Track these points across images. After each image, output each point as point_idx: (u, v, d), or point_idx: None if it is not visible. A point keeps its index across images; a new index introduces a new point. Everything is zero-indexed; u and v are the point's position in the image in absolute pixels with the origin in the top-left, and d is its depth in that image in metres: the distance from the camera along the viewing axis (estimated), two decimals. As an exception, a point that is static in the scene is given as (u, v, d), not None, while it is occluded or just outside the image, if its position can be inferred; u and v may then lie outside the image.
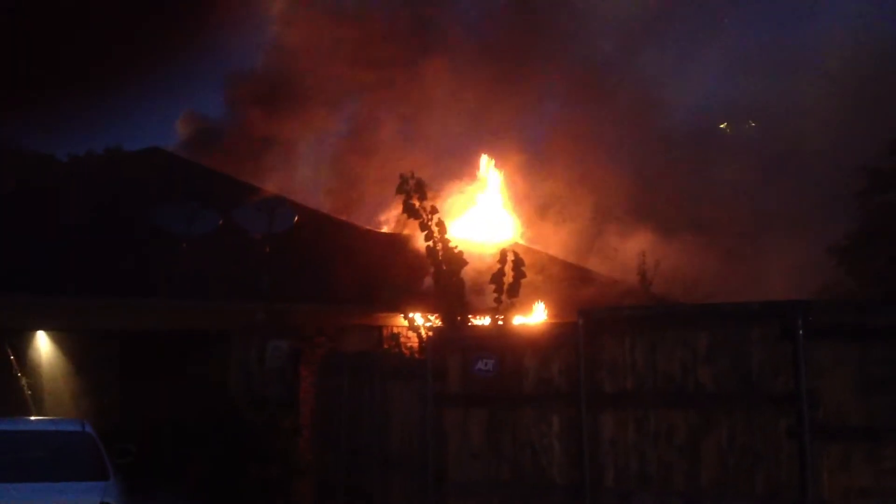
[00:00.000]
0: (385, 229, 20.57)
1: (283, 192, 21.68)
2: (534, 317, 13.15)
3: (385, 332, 16.01)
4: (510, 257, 11.22)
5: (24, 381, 15.85)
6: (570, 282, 13.90)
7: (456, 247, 11.86)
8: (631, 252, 13.94)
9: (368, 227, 20.71)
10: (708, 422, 7.64)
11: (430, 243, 11.86)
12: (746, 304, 7.93)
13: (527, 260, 11.42)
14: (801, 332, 7.32)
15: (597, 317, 8.59)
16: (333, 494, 12.97)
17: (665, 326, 7.99)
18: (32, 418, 13.23)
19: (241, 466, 14.37)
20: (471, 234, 14.79)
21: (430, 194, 12.18)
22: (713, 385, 7.68)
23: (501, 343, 9.69)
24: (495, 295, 11.24)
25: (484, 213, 15.58)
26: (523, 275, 11.20)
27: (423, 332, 12.22)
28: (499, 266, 11.29)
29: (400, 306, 13.34)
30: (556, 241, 14.59)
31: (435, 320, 12.11)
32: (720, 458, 7.55)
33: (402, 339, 13.93)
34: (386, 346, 14.91)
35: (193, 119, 30.95)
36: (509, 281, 11.20)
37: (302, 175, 26.21)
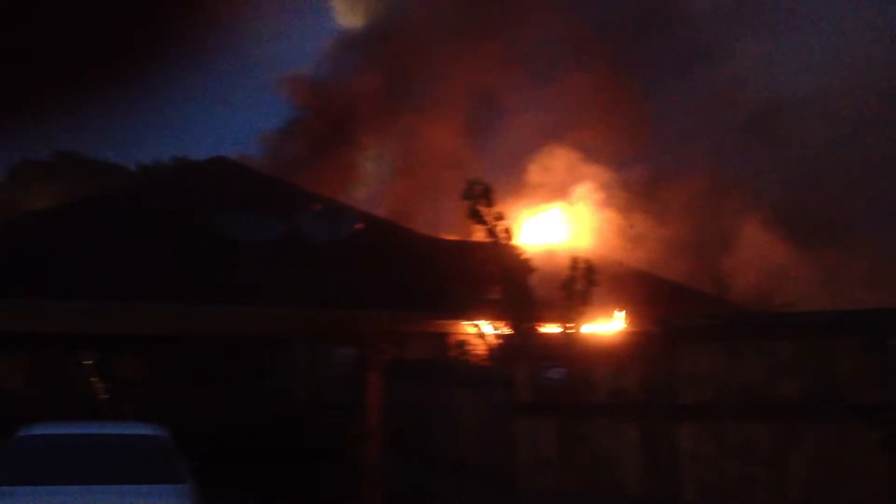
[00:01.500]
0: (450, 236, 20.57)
1: (352, 199, 21.85)
2: (605, 325, 13.01)
3: (450, 339, 16.00)
4: (581, 264, 11.11)
5: (100, 386, 16.16)
6: (643, 290, 13.70)
7: (523, 253, 11.79)
8: (707, 257, 13.70)
9: (433, 234, 20.72)
10: (793, 434, 7.46)
11: (497, 250, 11.81)
12: (832, 312, 7.75)
13: (598, 267, 11.29)
14: (892, 341, 7.11)
15: (674, 326, 8.45)
16: (402, 499, 12.95)
17: (746, 336, 7.82)
18: (110, 422, 13.45)
19: (310, 471, 14.45)
20: (542, 239, 14.69)
21: (502, 199, 12.11)
22: (798, 396, 7.49)
23: (572, 352, 9.61)
24: (565, 303, 11.13)
25: (556, 220, 15.47)
26: (594, 282, 11.08)
27: (490, 339, 12.16)
28: (569, 273, 11.19)
29: (466, 313, 13.31)
30: (628, 249, 14.38)
31: (503, 328, 12.03)
32: (808, 472, 7.36)
33: (468, 347, 13.89)
34: (452, 354, 14.88)
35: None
36: (580, 288, 11.09)
37: (371, 182, 26.35)
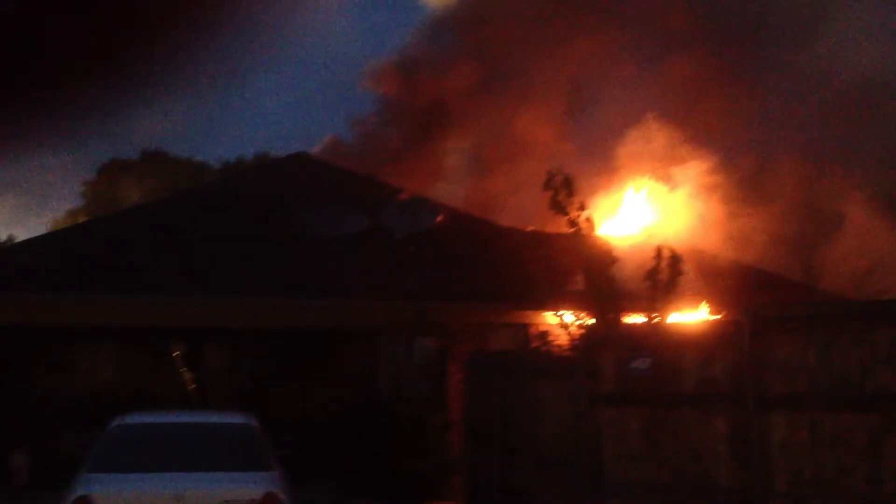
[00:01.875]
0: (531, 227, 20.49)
1: (435, 192, 21.91)
2: (692, 315, 12.80)
3: (532, 330, 15.96)
4: (666, 253, 10.95)
5: (188, 377, 16.57)
6: (731, 278, 13.41)
7: (607, 243, 11.68)
8: (794, 245, 13.33)
9: (520, 226, 20.65)
10: (890, 424, 7.21)
11: (579, 240, 11.72)
12: (932, 300, 7.47)
13: (686, 256, 11.11)
14: None
15: (764, 315, 8.25)
16: (486, 491, 12.96)
17: (840, 325, 7.59)
18: (199, 411, 13.77)
19: (393, 461, 14.58)
20: (626, 229, 14.51)
21: (593, 188, 11.99)
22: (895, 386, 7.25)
23: (658, 341, 9.46)
24: (650, 293, 10.98)
25: (645, 207, 15.26)
26: (680, 271, 10.91)
27: (573, 330, 12.07)
28: (654, 262, 11.03)
29: (548, 304, 13.24)
30: (717, 237, 14.05)
31: (585, 318, 11.93)
32: (905, 463, 7.12)
33: (551, 338, 13.82)
34: (534, 345, 14.84)
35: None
36: (665, 278, 10.93)
37: (455, 174, 26.37)
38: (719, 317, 11.14)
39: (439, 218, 18.21)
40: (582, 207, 11.91)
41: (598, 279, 11.33)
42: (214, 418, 10.44)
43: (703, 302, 13.02)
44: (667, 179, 14.93)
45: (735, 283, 13.29)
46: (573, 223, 11.85)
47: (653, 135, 15.32)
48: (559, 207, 11.97)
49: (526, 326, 16.16)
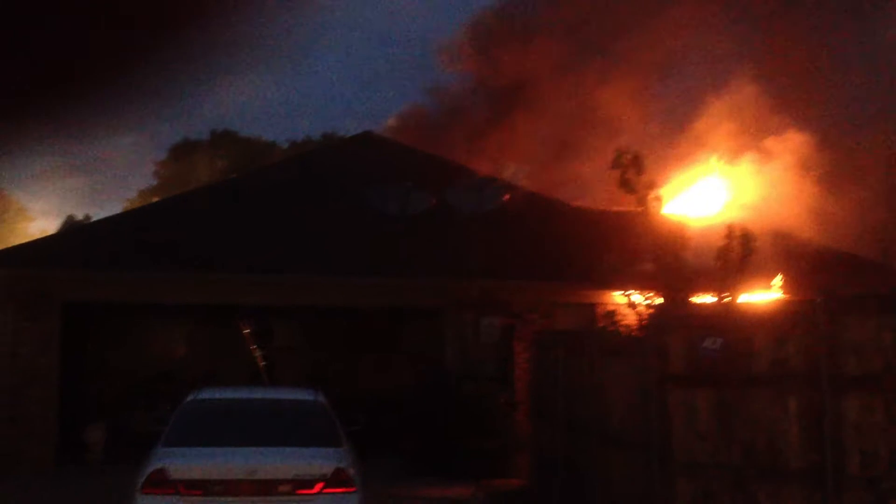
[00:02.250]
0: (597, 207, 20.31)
1: (506, 171, 21.81)
2: (764, 295, 12.56)
3: (599, 309, 15.86)
4: (738, 232, 10.76)
5: (258, 354, 16.84)
6: (808, 259, 13.10)
7: (675, 221, 11.52)
8: (871, 223, 12.95)
9: (580, 204, 20.50)
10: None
11: (647, 219, 11.56)
12: None
13: (761, 235, 10.89)
14: None
15: (840, 296, 8.08)
16: (551, 470, 12.96)
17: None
18: (270, 388, 14.01)
19: (459, 438, 14.66)
20: (697, 209, 14.27)
21: (668, 167, 11.81)
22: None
23: (729, 321, 9.32)
24: (721, 272, 10.80)
25: (714, 188, 15.00)
26: (751, 251, 10.71)
27: (641, 309, 11.94)
28: (725, 241, 10.85)
29: (615, 283, 13.11)
30: (801, 216, 13.70)
31: (654, 298, 11.79)
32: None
33: (618, 317, 13.69)
34: (600, 324, 14.73)
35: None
36: (736, 257, 10.74)
37: (524, 152, 26.22)
38: (794, 297, 10.91)
39: (506, 197, 18.13)
40: (651, 186, 11.73)
41: (668, 258, 11.17)
42: (285, 394, 10.60)
43: (777, 282, 12.77)
44: (758, 153, 14.57)
45: (812, 264, 12.97)
46: (641, 202, 11.68)
47: (743, 109, 14.98)
48: (627, 186, 11.81)
49: (593, 306, 16.06)
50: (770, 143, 14.24)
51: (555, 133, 26.27)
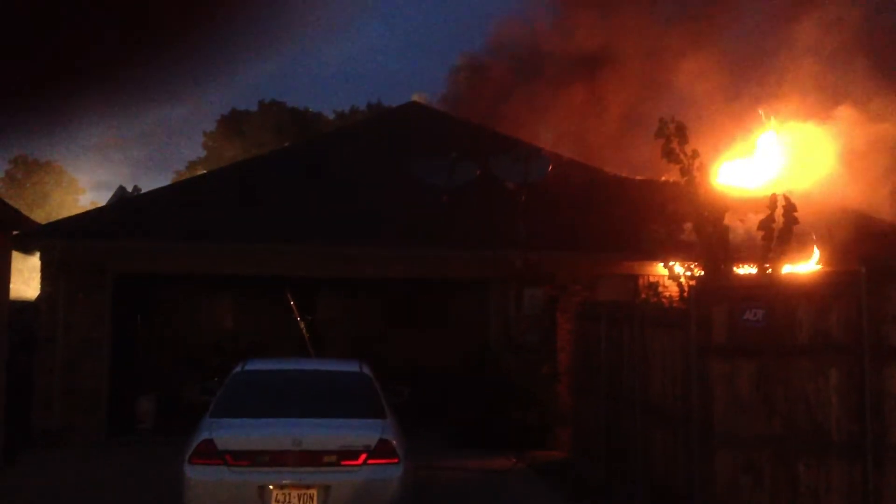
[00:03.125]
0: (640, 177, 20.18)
1: (545, 143, 21.72)
2: (805, 266, 12.45)
3: (641, 280, 15.83)
4: (781, 203, 10.65)
5: (303, 326, 17.05)
6: (847, 229, 12.90)
7: (719, 191, 11.44)
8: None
9: (625, 175, 20.37)
10: None
11: (691, 189, 11.49)
12: None
13: (799, 206, 10.78)
14: None
15: (882, 266, 8.01)
16: (593, 441, 13.04)
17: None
18: (317, 359, 14.21)
19: (502, 410, 14.77)
20: (739, 180, 14.12)
21: (698, 139, 11.71)
22: None
23: (771, 293, 9.28)
24: (763, 243, 10.72)
25: (756, 158, 14.80)
26: (795, 221, 10.60)
27: (683, 280, 11.91)
28: (768, 212, 10.75)
29: (658, 255, 13.08)
30: (839, 188, 13.48)
31: (696, 269, 11.75)
32: None
33: (660, 289, 13.67)
34: (643, 296, 14.70)
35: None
36: (779, 227, 10.65)
37: (565, 126, 26.07)
38: (836, 268, 10.80)
39: (550, 167, 18.07)
40: (695, 155, 11.64)
41: (710, 229, 11.10)
42: (331, 366, 10.75)
43: (816, 253, 12.63)
44: (824, 121, 14.30)
45: (857, 236, 12.77)
46: (685, 171, 11.60)
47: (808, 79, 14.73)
48: (671, 155, 11.73)
49: (636, 277, 16.03)
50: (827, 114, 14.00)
51: (622, 103, 26.00)
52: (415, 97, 28.43)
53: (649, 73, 24.55)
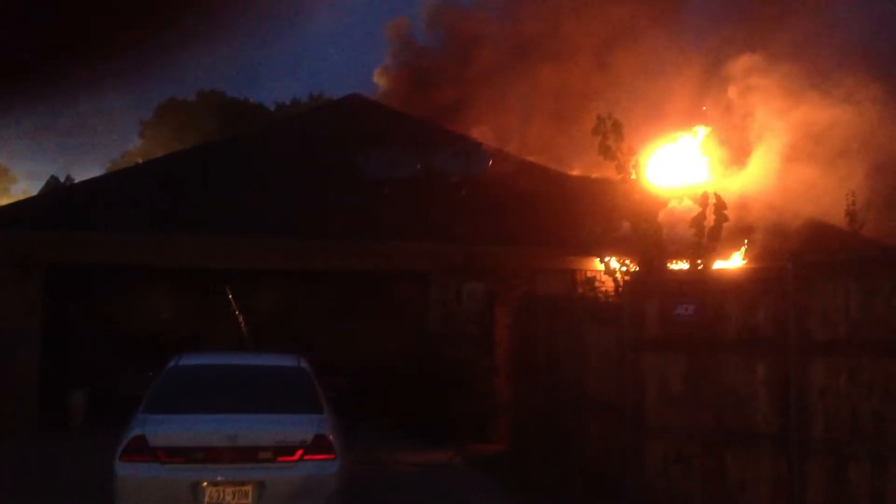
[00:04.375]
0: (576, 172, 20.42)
1: (484, 137, 21.83)
2: (735, 262, 12.73)
3: (579, 275, 16.00)
4: (712, 200, 10.88)
5: (241, 319, 16.93)
6: (772, 226, 13.24)
7: (653, 189, 11.63)
8: (837, 192, 13.03)
9: (563, 171, 20.57)
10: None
11: (626, 186, 11.67)
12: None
13: (729, 204, 11.02)
14: None
15: (808, 261, 8.22)
16: (530, 433, 13.19)
17: (883, 271, 7.53)
18: (253, 354, 14.10)
19: (441, 403, 14.85)
20: (672, 178, 14.36)
21: (631, 138, 11.89)
22: (937, 333, 7.21)
23: (702, 288, 9.48)
24: (695, 239, 10.94)
25: (688, 158, 15.06)
26: (725, 218, 10.83)
27: (619, 276, 12.10)
28: (699, 209, 10.98)
29: (594, 250, 13.24)
30: (757, 184, 13.80)
31: (631, 264, 11.95)
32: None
33: (597, 284, 13.85)
34: (580, 290, 14.87)
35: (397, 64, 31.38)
36: (710, 224, 10.88)
37: (504, 120, 26.14)
38: (765, 264, 11.07)
39: (491, 162, 18.19)
40: (631, 153, 11.82)
41: (644, 225, 11.30)
42: (267, 360, 10.64)
43: (745, 249, 12.92)
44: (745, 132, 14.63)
45: (786, 233, 13.10)
46: (621, 168, 11.77)
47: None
48: (608, 152, 11.89)
49: (573, 272, 16.20)
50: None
51: (552, 98, 26.13)
52: (358, 91, 28.39)
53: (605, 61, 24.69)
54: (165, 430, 8.48)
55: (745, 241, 12.81)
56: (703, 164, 14.95)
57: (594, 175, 16.83)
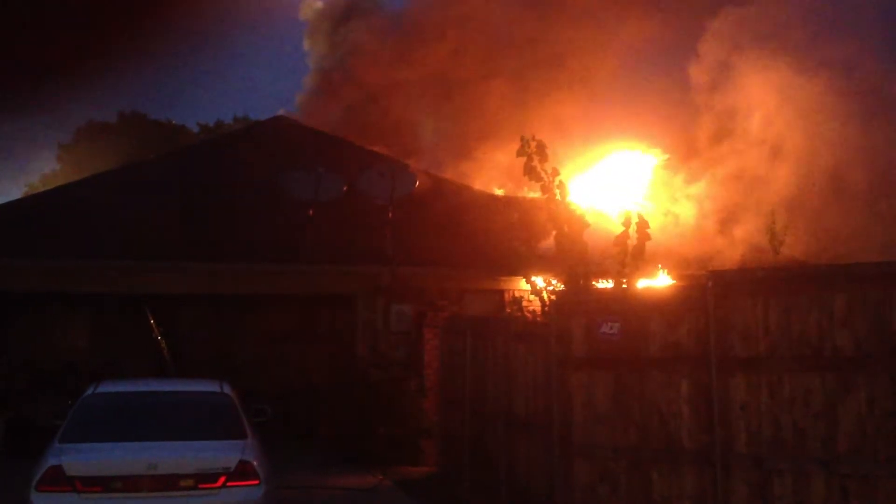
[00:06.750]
0: (501, 192, 20.53)
1: (408, 157, 21.83)
2: (659, 280, 12.93)
3: (506, 295, 16.06)
4: (634, 220, 11.04)
5: (163, 344, 16.56)
6: (695, 244, 13.53)
7: (577, 209, 11.76)
8: (760, 211, 13.40)
9: (489, 192, 20.66)
10: (846, 386, 7.38)
11: (552, 206, 11.77)
12: (888, 263, 7.58)
13: (652, 224, 11.21)
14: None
15: (728, 278, 8.38)
16: (458, 455, 13.15)
17: (800, 288, 7.73)
18: (174, 380, 13.81)
19: (369, 426, 14.72)
20: (595, 199, 14.57)
21: (554, 158, 12.03)
22: (852, 348, 7.40)
23: (626, 306, 9.59)
24: (619, 258, 11.09)
25: (609, 180, 15.32)
26: (648, 237, 11.01)
27: (545, 295, 12.18)
28: (623, 229, 11.13)
29: (521, 270, 13.32)
30: (685, 204, 14.12)
31: (557, 284, 12.04)
32: (859, 424, 7.29)
33: (524, 303, 13.93)
34: (508, 310, 14.94)
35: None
36: (633, 244, 11.04)
37: (427, 141, 26.14)
38: (684, 281, 11.27)
39: (417, 184, 18.17)
40: (555, 174, 11.94)
41: (569, 245, 11.41)
42: (189, 386, 10.46)
43: (668, 268, 13.13)
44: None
45: (699, 250, 13.40)
46: (546, 188, 11.88)
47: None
48: (532, 173, 12.00)
49: (501, 292, 16.25)
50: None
51: (479, 119, 26.19)
52: (283, 112, 28.12)
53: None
54: (82, 459, 8.26)
55: (665, 263, 13.00)
56: (640, 183, 15.20)
57: (521, 196, 16.94)
